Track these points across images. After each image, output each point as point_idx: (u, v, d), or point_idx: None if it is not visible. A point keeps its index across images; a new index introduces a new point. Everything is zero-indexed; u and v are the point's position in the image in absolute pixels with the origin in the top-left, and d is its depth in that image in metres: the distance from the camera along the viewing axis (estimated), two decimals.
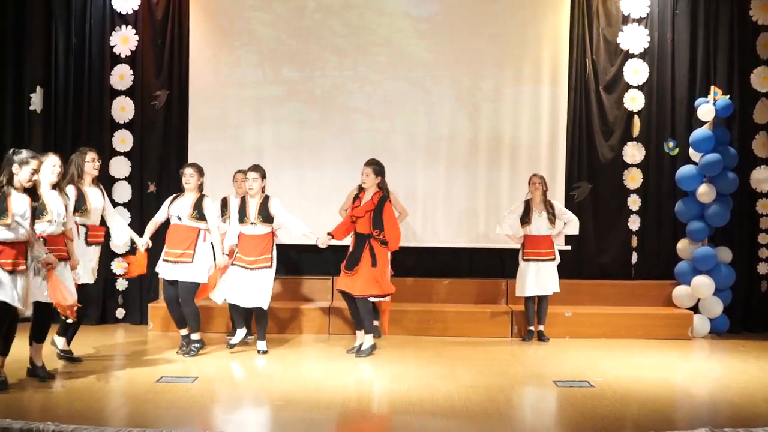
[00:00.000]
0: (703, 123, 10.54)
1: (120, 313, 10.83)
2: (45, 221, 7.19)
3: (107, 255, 10.77)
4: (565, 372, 8.03)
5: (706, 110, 10.44)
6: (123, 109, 10.90)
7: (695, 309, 10.49)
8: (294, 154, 10.82)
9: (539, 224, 9.75)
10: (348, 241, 9.17)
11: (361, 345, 8.80)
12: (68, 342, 8.35)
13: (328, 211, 10.06)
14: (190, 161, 10.79)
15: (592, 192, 11.09)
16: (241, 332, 8.87)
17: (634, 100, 11.02)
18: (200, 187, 8.76)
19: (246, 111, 11.10)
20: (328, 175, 10.88)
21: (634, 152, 11.03)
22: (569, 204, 10.69)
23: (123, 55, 10.91)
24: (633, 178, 11.03)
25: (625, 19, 11.04)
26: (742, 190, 10.64)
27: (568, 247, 10.71)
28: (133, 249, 9.37)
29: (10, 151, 6.99)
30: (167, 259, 8.68)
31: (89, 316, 9.72)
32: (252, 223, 8.69)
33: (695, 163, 10.54)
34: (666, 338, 10.01)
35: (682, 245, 10.69)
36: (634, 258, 11.06)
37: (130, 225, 10.66)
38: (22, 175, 6.84)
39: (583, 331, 10.06)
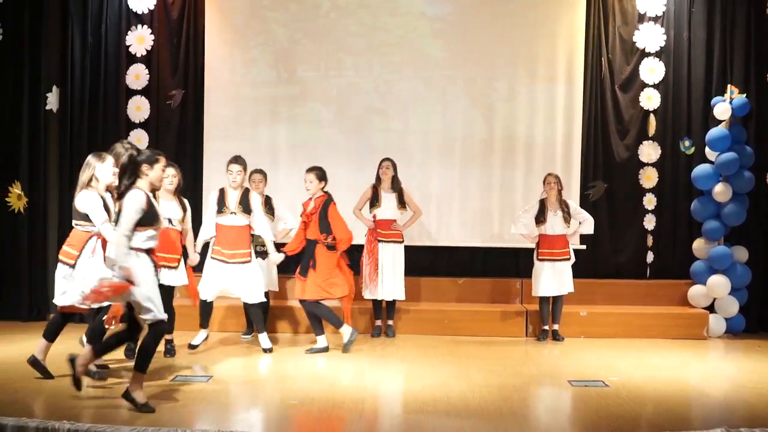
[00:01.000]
0: (719, 122, 10.49)
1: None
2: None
3: None
4: (580, 372, 8.01)
5: (722, 109, 10.39)
6: (138, 108, 10.95)
7: (711, 309, 10.44)
8: (309, 154, 10.81)
9: (554, 224, 9.72)
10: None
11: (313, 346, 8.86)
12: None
13: (342, 211, 10.05)
14: (206, 160, 10.88)
15: (607, 191, 11.06)
16: (203, 333, 8.89)
17: (650, 99, 10.98)
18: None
19: (261, 110, 11.13)
20: (342, 174, 10.88)
21: (649, 151, 10.99)
22: (584, 203, 10.66)
23: (139, 55, 10.96)
24: (648, 177, 10.99)
25: (641, 18, 11.00)
26: (759, 189, 10.57)
27: (583, 247, 10.68)
28: None
29: (125, 149, 7.23)
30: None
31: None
32: (232, 213, 8.72)
33: (711, 162, 10.50)
34: (681, 338, 9.97)
35: (698, 245, 10.65)
36: (650, 257, 11.02)
37: None
38: (154, 174, 6.53)
39: (598, 330, 10.03)
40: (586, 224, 9.89)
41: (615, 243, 11.07)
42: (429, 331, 9.98)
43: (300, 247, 8.94)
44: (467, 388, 7.23)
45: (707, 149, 10.55)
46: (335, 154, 10.96)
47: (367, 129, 11.12)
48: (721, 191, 10.30)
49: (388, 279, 9.60)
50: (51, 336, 7.54)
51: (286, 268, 9.57)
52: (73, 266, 7.30)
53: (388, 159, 9.82)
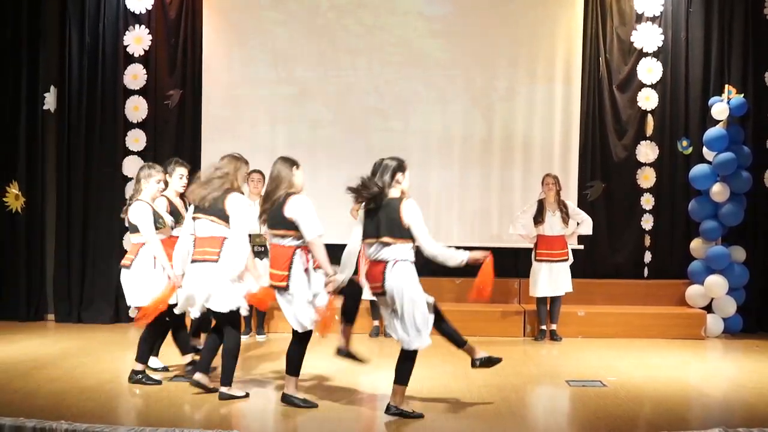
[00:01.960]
0: (716, 122, 10.50)
1: (133, 312, 10.85)
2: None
3: (120, 254, 10.83)
4: (578, 372, 8.01)
5: (720, 109, 10.40)
6: (136, 108, 10.94)
7: (708, 308, 10.45)
8: (307, 154, 10.77)
9: (552, 224, 9.73)
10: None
11: None
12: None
13: (341, 212, 10.05)
14: (204, 160, 10.86)
15: (605, 191, 11.07)
16: (186, 358, 7.85)
17: (648, 99, 10.99)
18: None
19: (259, 110, 11.13)
20: (342, 174, 10.79)
21: (647, 151, 11.00)
22: (582, 203, 10.67)
23: (136, 55, 10.95)
24: (646, 177, 10.99)
25: (639, 18, 11.01)
26: (756, 189, 10.58)
27: (581, 247, 10.68)
28: None
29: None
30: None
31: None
32: None
33: (709, 162, 10.50)
34: (679, 338, 9.97)
35: (696, 244, 10.66)
36: (648, 257, 11.03)
37: None
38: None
39: (596, 330, 10.04)
40: (585, 225, 9.90)
41: (613, 243, 11.08)
42: None
43: None
44: (465, 388, 7.24)
45: (705, 149, 10.56)
46: (334, 154, 10.96)
47: (366, 129, 11.12)
48: (718, 191, 10.31)
49: None
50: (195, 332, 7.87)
51: None
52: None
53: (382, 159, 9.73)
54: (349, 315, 6.79)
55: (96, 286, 10.79)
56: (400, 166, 6.54)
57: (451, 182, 11.03)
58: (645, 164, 11.01)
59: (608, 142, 11.09)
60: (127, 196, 8.55)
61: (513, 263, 10.97)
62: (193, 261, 6.70)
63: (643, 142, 11.02)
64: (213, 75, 11.13)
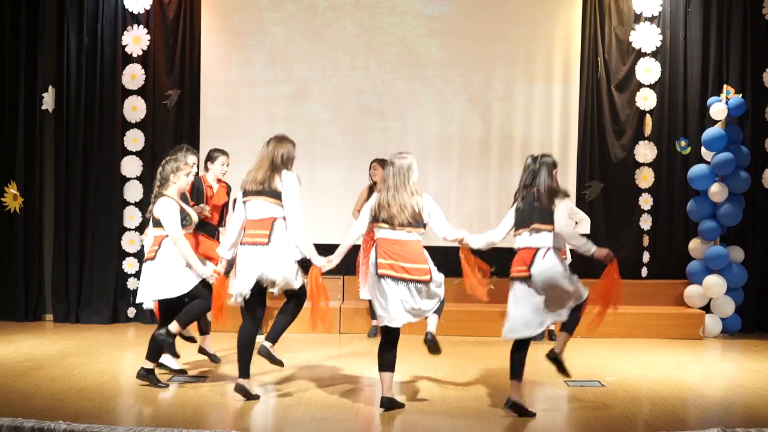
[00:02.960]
0: (715, 122, 10.51)
1: (131, 312, 10.86)
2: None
3: (118, 254, 10.84)
4: (577, 372, 7.98)
5: (718, 109, 10.40)
6: (135, 108, 10.93)
7: (707, 309, 10.45)
8: (306, 154, 10.75)
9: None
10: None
11: None
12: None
13: (339, 212, 10.07)
14: (202, 160, 10.84)
15: (603, 191, 11.07)
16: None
17: (646, 99, 10.99)
18: None
19: (257, 110, 11.13)
20: (339, 174, 10.90)
21: (645, 151, 11.00)
22: (581, 203, 10.67)
23: (135, 55, 10.94)
24: (645, 178, 11.00)
25: (638, 18, 11.02)
26: (755, 189, 10.60)
27: None
28: None
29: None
30: None
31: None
32: None
33: (707, 162, 10.51)
34: (678, 338, 9.98)
35: (694, 245, 10.66)
36: (646, 257, 11.03)
37: (141, 225, 10.77)
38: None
39: (594, 330, 10.01)
40: (583, 224, 9.89)
41: (611, 243, 11.04)
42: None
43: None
44: (464, 388, 7.24)
45: (703, 149, 10.56)
46: (332, 154, 10.97)
47: (364, 129, 11.12)
48: (717, 191, 10.31)
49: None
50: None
51: None
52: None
53: (375, 160, 9.79)
54: None
55: (94, 287, 10.78)
56: (555, 164, 6.79)
57: (449, 182, 11.03)
58: (643, 164, 11.01)
59: (606, 142, 11.09)
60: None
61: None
62: (253, 244, 6.68)
63: (641, 142, 11.02)
64: (211, 75, 11.12)
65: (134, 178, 10.91)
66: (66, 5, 10.79)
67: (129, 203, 10.88)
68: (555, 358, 6.76)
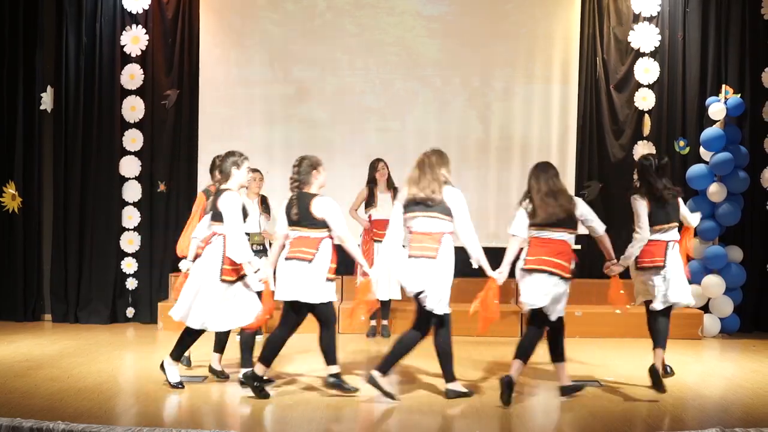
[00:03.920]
0: (714, 122, 10.51)
1: (130, 312, 10.85)
2: None
3: (117, 254, 10.83)
4: (575, 371, 8.00)
5: (717, 109, 10.41)
6: (133, 108, 10.93)
7: (706, 308, 10.45)
8: (304, 154, 10.80)
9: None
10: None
11: None
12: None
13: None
14: (201, 160, 10.87)
15: (602, 191, 11.07)
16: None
17: (645, 99, 11.00)
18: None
19: (256, 110, 11.13)
20: (338, 174, 10.85)
21: (644, 151, 10.97)
22: None
23: (133, 55, 10.94)
24: None
25: (636, 18, 11.02)
26: (753, 189, 10.60)
27: (578, 247, 10.65)
28: None
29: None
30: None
31: None
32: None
33: (706, 162, 10.51)
34: (676, 338, 9.92)
35: (693, 244, 10.66)
36: None
37: (140, 225, 10.77)
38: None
39: (592, 330, 10.04)
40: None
41: (610, 243, 11.05)
42: None
43: None
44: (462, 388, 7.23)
45: (702, 149, 10.57)
46: (331, 154, 10.90)
47: (363, 129, 11.12)
48: (715, 191, 10.31)
49: (384, 279, 9.56)
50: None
51: None
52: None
53: (382, 160, 9.83)
54: None
55: (93, 287, 10.78)
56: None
57: None
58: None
59: (605, 142, 11.10)
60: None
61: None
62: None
63: (640, 142, 11.03)
64: (210, 75, 11.12)
65: (133, 178, 10.91)
66: (64, 5, 10.78)
67: (128, 203, 10.88)
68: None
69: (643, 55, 11.01)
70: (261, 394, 6.76)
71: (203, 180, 10.90)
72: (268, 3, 11.15)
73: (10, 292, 10.71)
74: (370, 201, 9.79)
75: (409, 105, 11.13)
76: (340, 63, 11.14)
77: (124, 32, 10.94)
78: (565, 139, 11.04)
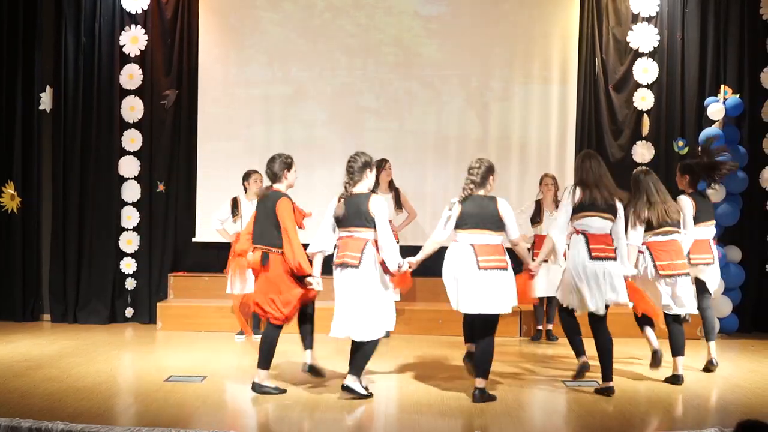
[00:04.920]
0: (712, 122, 10.52)
1: (129, 312, 10.85)
2: None
3: (116, 254, 10.83)
4: (574, 371, 8.00)
5: (715, 109, 10.41)
6: (132, 108, 10.93)
7: None
8: (303, 154, 10.76)
9: (550, 224, 9.70)
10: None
11: None
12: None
13: None
14: (200, 160, 10.86)
15: None
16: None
17: (644, 99, 11.00)
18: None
19: (255, 110, 11.13)
20: (337, 174, 10.81)
21: (643, 151, 11.01)
22: None
23: (132, 55, 10.93)
24: None
25: (635, 18, 11.03)
26: (752, 189, 10.61)
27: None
28: None
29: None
30: None
31: None
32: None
33: None
34: None
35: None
36: None
37: (139, 224, 10.76)
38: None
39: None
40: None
41: None
42: (423, 332, 9.98)
43: None
44: (462, 388, 7.23)
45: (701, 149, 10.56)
46: (329, 154, 10.95)
47: (362, 129, 11.12)
48: (714, 191, 10.30)
49: None
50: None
51: None
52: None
53: (388, 160, 9.80)
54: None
55: (92, 287, 10.77)
56: None
57: (447, 182, 11.01)
58: (641, 164, 10.99)
59: (604, 142, 11.10)
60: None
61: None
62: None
63: (639, 143, 11.03)
64: (209, 75, 11.12)
65: (132, 178, 10.91)
66: (63, 5, 10.78)
67: (127, 203, 10.88)
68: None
69: (642, 55, 11.02)
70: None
71: (202, 180, 10.92)
72: (267, 3, 11.15)
73: (9, 292, 10.71)
74: None
75: (407, 105, 11.13)
76: (339, 63, 11.14)
77: (123, 32, 10.94)
78: (563, 140, 11.05)
